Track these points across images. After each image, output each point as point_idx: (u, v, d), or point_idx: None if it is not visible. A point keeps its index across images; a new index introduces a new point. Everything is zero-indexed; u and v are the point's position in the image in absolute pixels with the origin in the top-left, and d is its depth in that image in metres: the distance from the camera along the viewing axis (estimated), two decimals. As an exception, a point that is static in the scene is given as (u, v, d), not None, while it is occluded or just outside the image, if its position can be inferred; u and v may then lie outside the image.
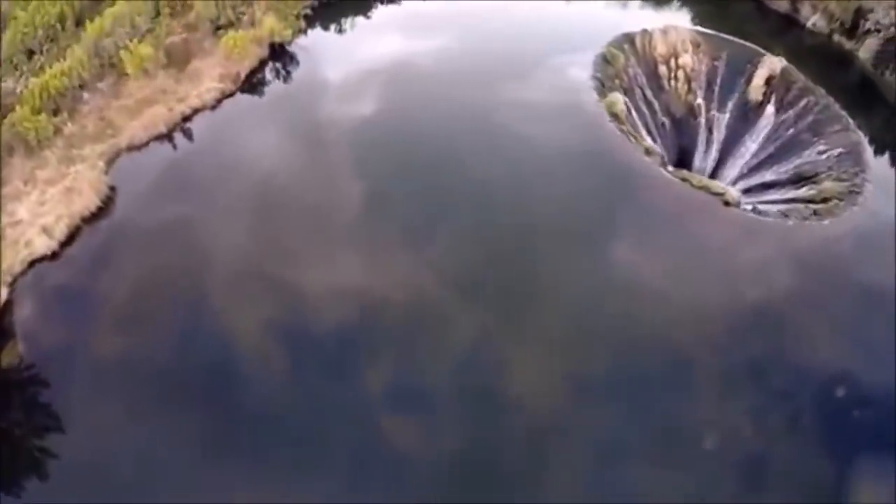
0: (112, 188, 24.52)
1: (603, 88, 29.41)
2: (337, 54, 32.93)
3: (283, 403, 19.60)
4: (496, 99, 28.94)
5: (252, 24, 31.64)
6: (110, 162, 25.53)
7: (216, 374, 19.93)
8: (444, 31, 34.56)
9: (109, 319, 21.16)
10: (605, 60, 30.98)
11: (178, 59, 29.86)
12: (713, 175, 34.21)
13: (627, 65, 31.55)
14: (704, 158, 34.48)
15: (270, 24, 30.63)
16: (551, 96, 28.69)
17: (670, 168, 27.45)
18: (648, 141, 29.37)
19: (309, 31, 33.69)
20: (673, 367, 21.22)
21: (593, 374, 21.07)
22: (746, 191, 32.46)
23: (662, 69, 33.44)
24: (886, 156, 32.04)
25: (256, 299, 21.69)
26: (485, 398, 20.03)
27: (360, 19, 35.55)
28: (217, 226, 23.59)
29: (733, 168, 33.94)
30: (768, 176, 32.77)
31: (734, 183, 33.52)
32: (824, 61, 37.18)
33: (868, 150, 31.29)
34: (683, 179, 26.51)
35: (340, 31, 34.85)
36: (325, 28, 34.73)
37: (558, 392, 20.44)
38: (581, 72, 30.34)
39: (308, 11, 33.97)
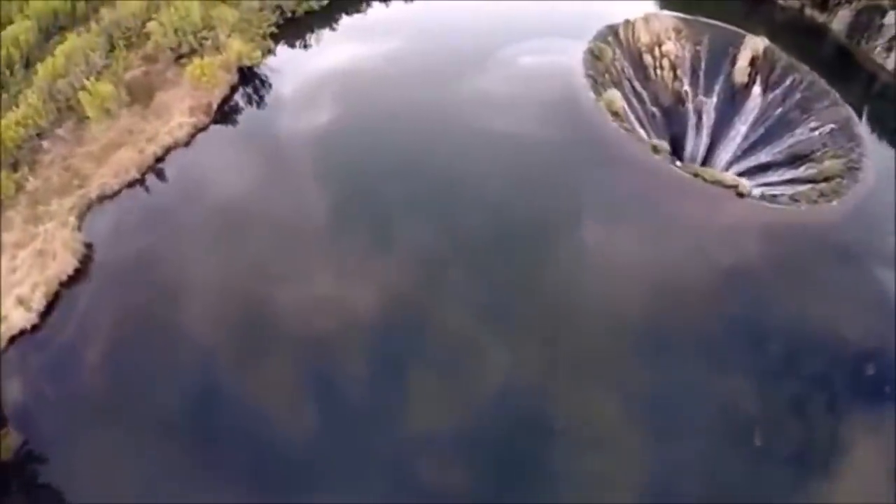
0: (88, 245, 22.44)
1: (597, 85, 28.32)
2: (309, 72, 31.06)
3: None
4: (493, 105, 27.71)
5: (217, 48, 29.54)
6: (82, 216, 23.38)
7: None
8: (408, 40, 33.08)
9: (99, 398, 19.19)
10: (594, 56, 29.97)
11: (141, 95, 27.66)
12: (706, 160, 33.66)
13: (614, 58, 30.57)
14: (696, 144, 33.79)
15: (238, 48, 28.61)
16: (550, 99, 27.51)
17: (678, 164, 26.51)
18: (655, 139, 28.45)
19: (277, 49, 31.72)
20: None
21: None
22: (742, 174, 31.97)
23: (647, 59, 32.61)
24: (873, 123, 31.78)
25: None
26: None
27: (327, 33, 33.71)
28: (205, 278, 21.70)
29: (726, 152, 33.35)
30: (762, 157, 32.24)
31: (728, 167, 32.97)
32: (798, 36, 36.86)
33: (859, 124, 31.02)
34: (696, 175, 25.74)
35: (309, 46, 32.92)
36: (293, 45, 32.78)
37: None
38: (573, 69, 29.17)
39: (273, 29, 32.00)
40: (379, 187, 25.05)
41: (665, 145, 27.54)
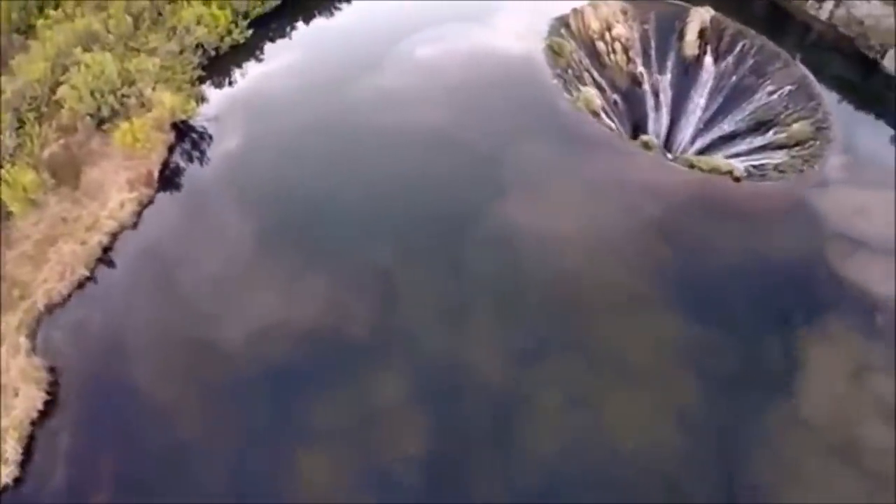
0: (51, 370, 19.15)
1: (567, 84, 26.96)
2: (247, 115, 28.07)
3: None
4: (467, 119, 25.82)
5: (142, 105, 26.16)
6: (33, 334, 20.04)
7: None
8: (344, 60, 30.74)
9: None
10: (554, 52, 28.54)
11: (66, 174, 24.14)
12: (668, 137, 33.16)
13: (572, 51, 29.24)
14: (657, 124, 33.11)
15: (169, 102, 25.38)
16: (526, 105, 25.96)
17: (669, 156, 25.58)
18: (621, 126, 27.46)
19: (209, 93, 28.56)
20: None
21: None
22: (708, 146, 31.69)
23: (600, 45, 31.53)
24: (821, 76, 32.03)
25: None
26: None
27: (257, 67, 30.73)
28: (191, 397, 19.09)
29: (688, 127, 32.91)
30: (726, 127, 31.96)
31: (693, 141, 32.64)
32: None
33: (816, 83, 31.14)
34: (691, 166, 24.89)
35: (240, 85, 29.80)
36: (224, 85, 29.65)
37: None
38: (539, 68, 27.65)
39: (200, 72, 28.78)
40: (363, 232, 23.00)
41: (654, 140, 26.56)
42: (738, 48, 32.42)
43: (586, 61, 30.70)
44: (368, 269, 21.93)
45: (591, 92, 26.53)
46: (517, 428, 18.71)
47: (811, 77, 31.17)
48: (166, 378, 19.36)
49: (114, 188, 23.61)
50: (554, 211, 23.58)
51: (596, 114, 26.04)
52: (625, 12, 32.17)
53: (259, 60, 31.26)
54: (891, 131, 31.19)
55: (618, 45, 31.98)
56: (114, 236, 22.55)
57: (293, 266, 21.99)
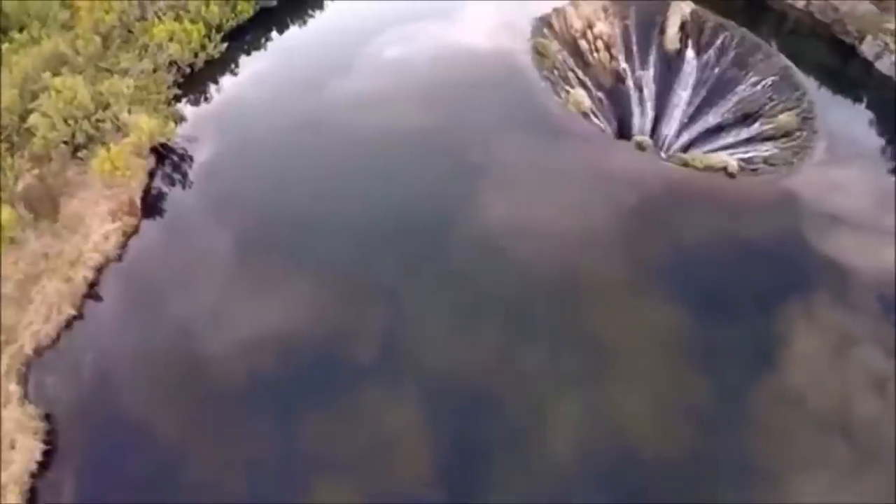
0: (47, 417, 18.29)
1: (556, 86, 26.63)
2: (227, 133, 27.21)
3: None
4: (463, 121, 25.39)
5: (119, 129, 25.17)
6: (24, 380, 19.13)
7: None
8: (322, 71, 29.96)
9: None
10: (539, 53, 28.13)
11: (44, 207, 23.14)
12: (653, 132, 33.03)
13: (557, 51, 28.90)
14: (642, 119, 32.93)
15: (147, 125, 24.42)
16: (519, 106, 25.55)
17: (664, 155, 25.40)
18: (605, 124, 27.28)
19: (186, 111, 27.64)
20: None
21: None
22: (695, 140, 31.63)
23: (583, 44, 31.24)
24: (800, 62, 32.15)
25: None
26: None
27: (233, 82, 29.83)
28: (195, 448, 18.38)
29: (673, 121, 32.77)
30: (711, 119, 31.89)
31: (678, 134, 32.54)
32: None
33: (799, 72, 31.22)
34: (685, 164, 24.71)
35: (218, 102, 28.87)
36: (199, 102, 28.72)
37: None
38: (527, 72, 27.33)
39: (176, 91, 27.83)
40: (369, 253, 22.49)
41: (647, 140, 26.34)
42: (719, 41, 32.37)
43: (570, 61, 30.39)
44: (365, 282, 21.63)
45: (579, 93, 26.25)
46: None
47: (793, 67, 31.24)
48: (166, 417, 18.64)
49: (95, 219, 22.67)
50: (556, 211, 23.37)
51: (586, 114, 25.69)
52: (605, 10, 31.89)
53: (235, 74, 30.38)
54: (869, 113, 31.52)
55: (600, 43, 31.73)
56: (99, 271, 21.65)
57: (287, 288, 21.36)
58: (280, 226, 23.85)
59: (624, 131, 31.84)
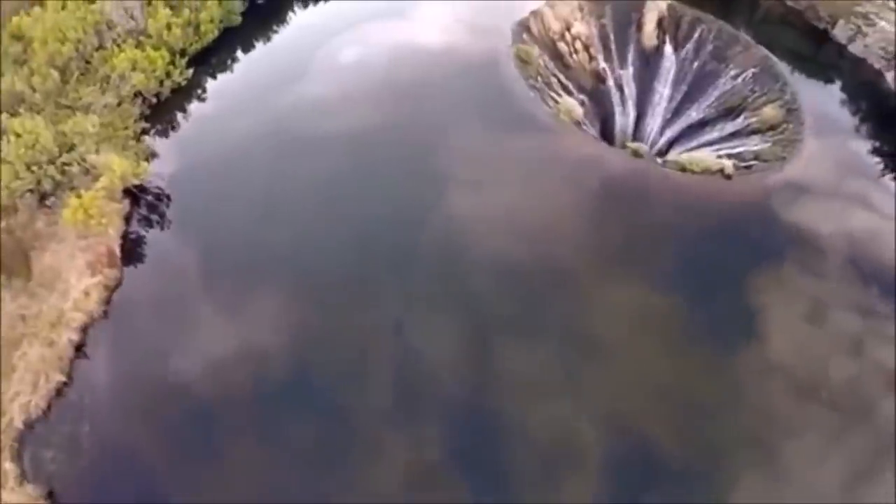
0: (50, 495, 17.08)
1: (541, 94, 25.97)
2: (207, 162, 25.86)
3: None
4: (449, 162, 24.43)
5: (87, 172, 23.62)
6: (19, 456, 17.82)
7: None
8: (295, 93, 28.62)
9: None
10: (522, 60, 27.36)
11: (16, 264, 21.57)
12: (636, 131, 32.74)
13: (538, 55, 28.21)
14: (624, 118, 32.64)
15: (119, 167, 22.90)
16: (511, 122, 24.91)
17: (659, 161, 25.01)
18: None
19: (157, 145, 26.13)
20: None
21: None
22: (680, 136, 31.43)
23: (562, 46, 30.56)
24: (774, 50, 32.07)
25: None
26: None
27: (202, 109, 28.27)
28: None
29: (655, 118, 32.55)
30: (694, 114, 31.74)
31: (662, 131, 32.32)
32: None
33: (778, 63, 31.13)
34: (683, 169, 24.38)
35: (192, 132, 27.37)
36: (167, 133, 27.17)
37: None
38: (513, 81, 26.70)
39: (143, 124, 26.27)
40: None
41: (643, 147, 25.91)
42: (696, 34, 32.10)
43: (551, 65, 29.69)
44: (349, 300, 21.28)
45: (569, 101, 25.59)
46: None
47: (773, 58, 31.13)
48: (177, 485, 17.54)
49: (73, 274, 21.21)
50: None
51: (578, 123, 25.10)
52: (582, 9, 31.22)
53: (202, 100, 28.84)
54: (843, 95, 31.77)
55: (579, 44, 31.13)
56: (84, 331, 20.26)
57: (285, 336, 20.42)
58: (267, 258, 22.78)
59: (607, 132, 31.46)
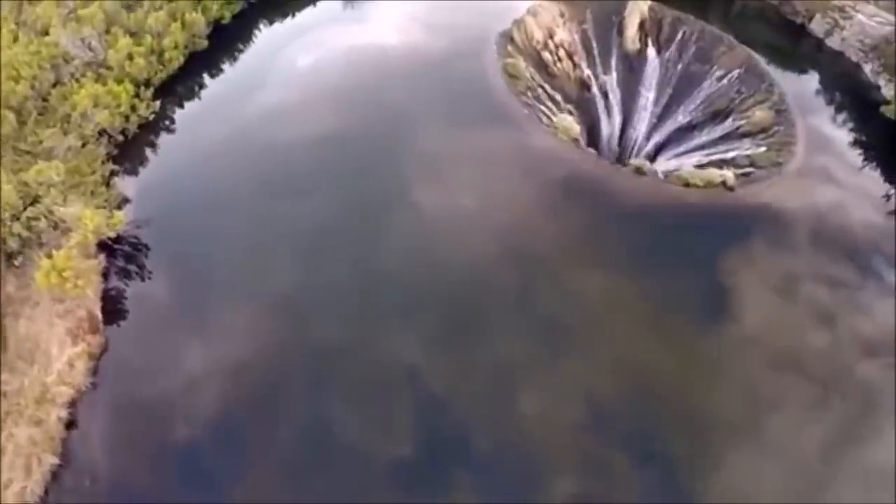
0: None
1: (535, 112, 25.11)
2: (177, 204, 24.25)
3: None
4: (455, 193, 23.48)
5: (56, 226, 21.83)
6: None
7: None
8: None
9: None
10: (510, 75, 26.41)
11: (-12, 336, 19.74)
12: (622, 137, 32.23)
13: (524, 69, 27.29)
14: (610, 124, 32.04)
15: (91, 220, 21.14)
16: (512, 142, 24.05)
17: (661, 176, 24.39)
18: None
19: (127, 187, 24.36)
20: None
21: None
22: (668, 140, 31.01)
23: (546, 55, 29.64)
24: (752, 45, 31.83)
25: None
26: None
27: (176, 142, 26.58)
28: None
29: (641, 123, 32.04)
30: (680, 118, 31.32)
31: (648, 136, 31.86)
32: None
33: (763, 62, 30.86)
34: (686, 184, 23.71)
35: (160, 168, 25.65)
36: (137, 171, 25.43)
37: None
38: (505, 98, 25.93)
39: (112, 166, 24.45)
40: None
41: (648, 164, 25.24)
42: (679, 36, 31.59)
43: (538, 76, 28.74)
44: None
45: (566, 119, 24.73)
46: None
47: (756, 57, 30.80)
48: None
49: (54, 344, 19.53)
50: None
51: (576, 140, 24.32)
52: (563, 15, 30.30)
53: (171, 131, 27.09)
54: (821, 87, 31.77)
55: (562, 52, 30.26)
56: (73, 405, 18.67)
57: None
58: (257, 302, 21.46)
59: (593, 139, 30.76)
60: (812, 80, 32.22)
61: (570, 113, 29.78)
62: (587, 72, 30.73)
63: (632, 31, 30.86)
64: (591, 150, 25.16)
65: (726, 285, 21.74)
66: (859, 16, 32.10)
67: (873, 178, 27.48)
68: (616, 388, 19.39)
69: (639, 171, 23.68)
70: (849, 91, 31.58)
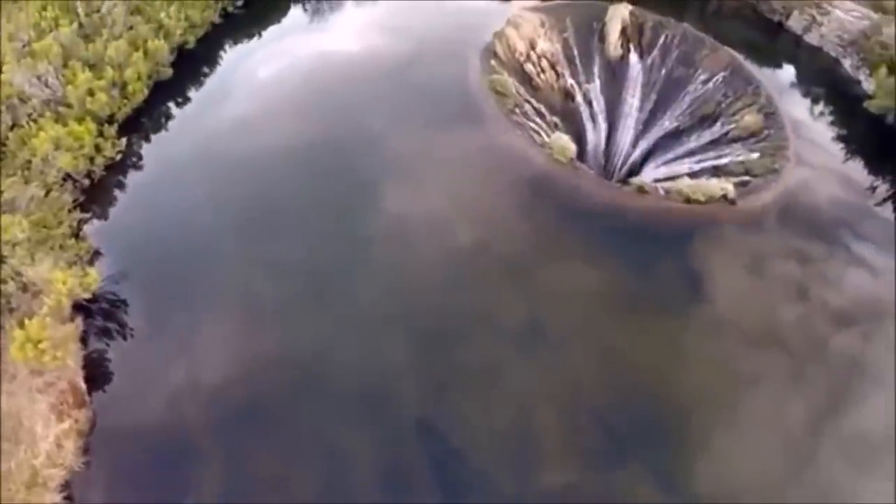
0: None
1: (527, 132, 24.26)
2: (152, 250, 22.66)
3: None
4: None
5: (25, 289, 20.17)
6: None
7: None
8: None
9: None
10: (498, 93, 25.40)
11: (-39, 418, 18.06)
12: (608, 145, 31.64)
13: (510, 84, 26.36)
14: (596, 134, 31.38)
15: (64, 283, 19.52)
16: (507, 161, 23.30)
17: (662, 191, 23.80)
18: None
19: (98, 237, 22.70)
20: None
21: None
22: (655, 147, 30.54)
23: (529, 67, 28.72)
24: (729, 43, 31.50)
25: None
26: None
27: (146, 178, 24.93)
28: None
29: (626, 130, 31.50)
30: (667, 123, 30.87)
31: (635, 143, 31.35)
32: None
33: (745, 62, 30.52)
34: (687, 200, 23.16)
35: (130, 210, 23.97)
36: (106, 216, 23.66)
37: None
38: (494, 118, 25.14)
39: (80, 214, 22.72)
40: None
41: (648, 183, 24.57)
42: (661, 41, 31.05)
43: (522, 91, 27.80)
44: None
45: (562, 138, 23.90)
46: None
47: (740, 59, 30.43)
48: None
49: (37, 422, 17.96)
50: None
51: (572, 160, 23.55)
52: (543, 24, 29.37)
53: (139, 168, 25.34)
54: (799, 83, 31.69)
55: (545, 62, 29.37)
56: (67, 487, 17.25)
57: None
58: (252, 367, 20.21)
59: (580, 149, 30.01)
60: (791, 75, 32.09)
61: (556, 126, 29.00)
62: (570, 81, 29.96)
63: (613, 36, 30.16)
64: (590, 171, 24.34)
65: (697, 269, 21.84)
66: (837, 11, 31.98)
67: (862, 173, 27.41)
68: (590, 373, 19.39)
69: (641, 190, 22.95)
70: (830, 86, 31.56)
